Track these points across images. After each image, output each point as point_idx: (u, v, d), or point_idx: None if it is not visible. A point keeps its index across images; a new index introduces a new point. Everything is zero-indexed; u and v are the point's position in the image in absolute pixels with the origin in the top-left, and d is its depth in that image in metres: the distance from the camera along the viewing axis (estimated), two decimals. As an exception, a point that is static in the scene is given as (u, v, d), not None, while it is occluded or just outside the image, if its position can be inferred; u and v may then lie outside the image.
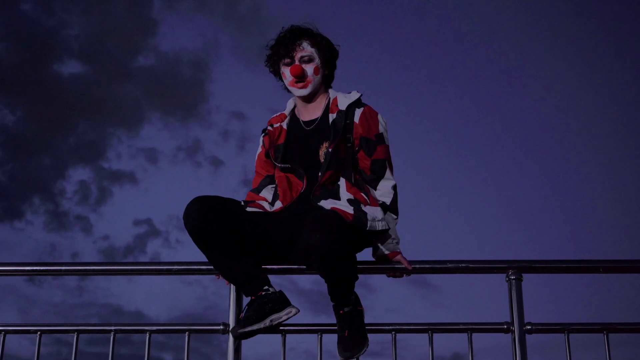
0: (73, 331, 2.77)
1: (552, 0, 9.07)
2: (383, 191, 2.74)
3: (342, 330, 2.60)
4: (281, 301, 2.59)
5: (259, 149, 2.93)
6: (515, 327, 2.70)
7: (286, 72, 2.80)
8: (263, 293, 2.58)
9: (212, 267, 2.66)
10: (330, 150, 2.68)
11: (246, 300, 2.66)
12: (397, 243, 2.70)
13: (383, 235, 2.66)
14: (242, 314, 2.61)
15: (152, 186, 9.69)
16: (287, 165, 2.77)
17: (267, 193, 2.86)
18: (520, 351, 2.67)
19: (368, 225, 2.53)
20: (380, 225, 2.58)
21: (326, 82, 2.88)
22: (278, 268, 2.73)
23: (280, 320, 2.58)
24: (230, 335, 2.68)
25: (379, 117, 2.80)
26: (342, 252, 2.40)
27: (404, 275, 2.73)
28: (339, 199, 2.62)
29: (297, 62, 2.78)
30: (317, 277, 2.53)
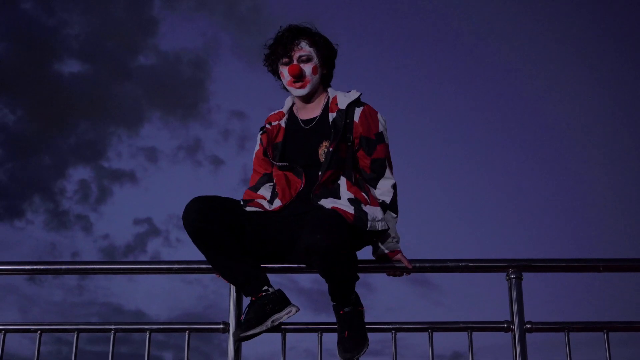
0: (73, 330, 2.77)
1: (552, 0, 9.07)
2: (383, 190, 2.74)
3: (342, 330, 2.60)
4: (281, 301, 2.59)
5: (257, 147, 2.93)
6: (515, 326, 2.70)
7: (284, 71, 2.80)
8: (263, 294, 2.58)
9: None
10: (331, 149, 2.67)
11: (246, 299, 2.67)
12: (397, 242, 2.70)
13: (383, 235, 2.66)
14: (243, 316, 2.61)
15: (152, 185, 9.69)
16: (285, 164, 2.76)
17: (266, 191, 2.86)
18: (520, 350, 2.67)
19: (368, 225, 2.53)
20: (380, 225, 2.58)
21: (325, 81, 2.87)
22: (278, 267, 2.73)
23: (281, 320, 2.58)
24: (231, 335, 2.68)
25: (379, 116, 2.79)
26: (343, 253, 2.40)
27: (404, 274, 2.73)
28: (339, 197, 2.62)
29: (295, 62, 2.77)
30: (317, 276, 2.53)
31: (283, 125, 2.85)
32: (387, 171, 2.75)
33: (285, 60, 2.79)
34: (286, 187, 2.75)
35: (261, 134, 2.89)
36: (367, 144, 2.73)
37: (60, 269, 2.88)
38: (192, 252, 2.60)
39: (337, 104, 2.77)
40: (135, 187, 9.71)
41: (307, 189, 2.69)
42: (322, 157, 2.70)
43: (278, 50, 2.79)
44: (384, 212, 2.68)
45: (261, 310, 2.56)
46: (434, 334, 2.73)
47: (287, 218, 2.69)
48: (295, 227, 2.61)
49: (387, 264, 2.70)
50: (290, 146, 2.80)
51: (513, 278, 2.75)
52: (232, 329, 2.70)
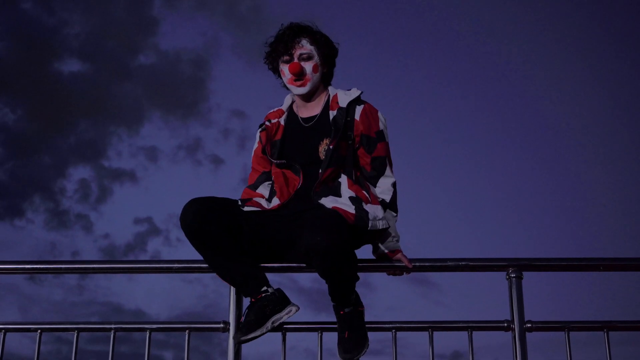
0: (73, 329, 2.77)
1: (553, 0, 9.06)
2: (383, 188, 2.73)
3: (342, 331, 2.60)
4: (281, 300, 2.59)
5: (256, 145, 2.92)
6: (516, 325, 2.70)
7: (285, 69, 2.79)
8: (262, 295, 2.58)
9: (212, 265, 2.65)
10: (331, 147, 2.67)
11: (246, 299, 2.66)
12: (397, 241, 2.69)
13: (383, 234, 2.66)
14: (243, 318, 2.60)
15: (152, 185, 9.69)
16: (282, 161, 2.76)
17: (264, 190, 2.85)
18: (520, 349, 2.67)
19: (369, 224, 2.53)
20: (381, 224, 2.58)
21: (325, 80, 2.87)
22: (278, 266, 2.72)
23: (281, 321, 2.58)
24: (231, 337, 2.68)
25: (379, 114, 2.79)
26: (343, 254, 2.40)
27: (404, 273, 2.72)
28: (339, 196, 2.61)
29: (296, 60, 2.76)
30: (317, 275, 2.52)
31: (282, 123, 2.84)
32: (388, 169, 2.75)
33: (286, 58, 2.78)
34: (284, 185, 2.74)
35: (260, 132, 2.89)
36: (367, 142, 2.73)
37: (60, 269, 2.88)
38: (192, 252, 2.60)
39: (337, 102, 2.76)
40: (135, 186, 9.71)
41: (305, 187, 2.69)
42: (322, 155, 2.69)
43: (279, 48, 2.79)
44: (384, 210, 2.68)
45: (261, 312, 2.55)
46: (434, 333, 2.73)
47: (286, 217, 2.69)
48: (294, 226, 2.60)
49: (387, 264, 2.70)
50: (289, 144, 2.80)
51: (513, 277, 2.74)
52: (232, 328, 2.70)
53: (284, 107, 2.90)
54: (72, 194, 9.72)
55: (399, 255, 2.68)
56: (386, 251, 2.68)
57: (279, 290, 2.63)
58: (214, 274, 2.71)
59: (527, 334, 2.69)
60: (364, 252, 2.75)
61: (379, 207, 2.64)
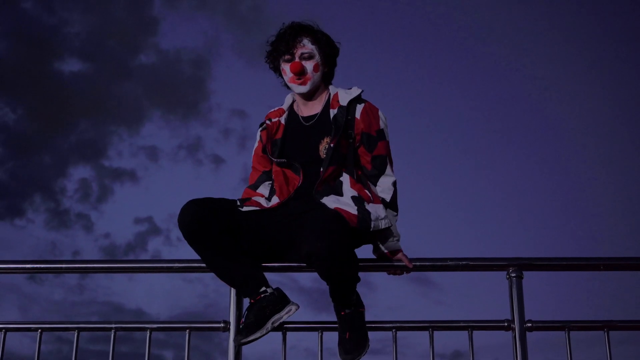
0: (74, 329, 2.77)
1: (553, 0, 9.06)
2: (383, 187, 2.73)
3: (343, 331, 2.60)
4: (280, 300, 2.59)
5: (256, 144, 2.92)
6: (516, 325, 2.70)
7: (286, 68, 2.79)
8: (261, 295, 2.58)
9: (212, 265, 2.65)
10: (332, 145, 2.67)
11: (246, 299, 2.66)
12: (398, 240, 2.69)
13: (384, 233, 2.66)
14: (243, 320, 2.60)
15: (153, 184, 9.69)
16: (283, 160, 2.75)
17: (264, 189, 2.85)
18: (520, 349, 2.67)
19: (372, 225, 2.53)
20: (383, 224, 2.58)
21: (326, 79, 2.87)
22: (278, 266, 2.72)
23: (281, 320, 2.58)
24: (231, 339, 2.68)
25: (380, 113, 2.79)
26: (345, 258, 2.40)
27: (404, 272, 2.72)
28: (341, 195, 2.61)
29: (297, 59, 2.76)
30: (318, 275, 2.52)
31: (283, 122, 2.84)
32: (388, 168, 2.75)
33: (287, 57, 2.78)
34: (284, 184, 2.74)
35: (261, 130, 2.89)
36: (368, 141, 2.73)
37: (61, 268, 2.88)
38: (192, 251, 2.60)
39: (338, 101, 2.76)
40: (135, 186, 9.71)
41: (305, 186, 2.69)
42: (322, 154, 2.69)
43: (280, 47, 2.79)
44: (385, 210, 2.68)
45: (261, 312, 2.55)
46: (435, 332, 2.73)
47: (286, 217, 2.69)
48: (295, 226, 2.60)
49: (388, 263, 2.70)
50: (290, 143, 2.79)
51: (513, 277, 2.74)
52: (232, 328, 2.70)
53: (285, 106, 2.90)
54: (72, 193, 9.72)
55: (399, 255, 2.68)
56: (386, 251, 2.68)
57: (278, 289, 2.62)
58: (214, 274, 2.72)
59: (528, 334, 2.69)
60: (364, 251, 2.76)
61: (381, 206, 2.64)
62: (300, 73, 2.75)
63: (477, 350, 2.71)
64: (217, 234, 2.55)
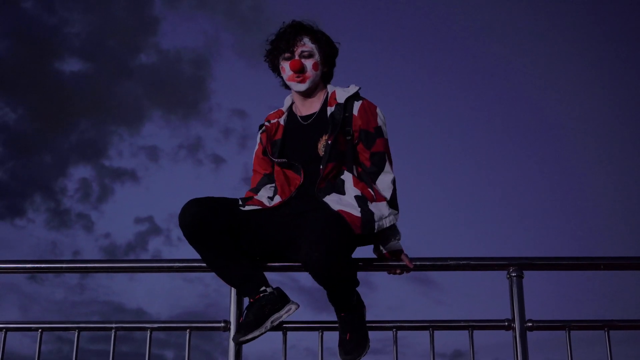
0: (74, 329, 2.77)
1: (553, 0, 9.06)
2: (382, 186, 2.71)
3: (343, 332, 2.60)
4: (280, 299, 2.59)
5: (257, 146, 2.92)
6: (516, 324, 2.70)
7: (286, 66, 2.79)
8: (261, 295, 2.58)
9: (212, 264, 2.65)
10: (329, 142, 2.67)
11: (247, 298, 2.66)
12: (399, 239, 2.69)
13: (386, 233, 2.65)
14: (242, 318, 2.60)
15: (153, 184, 9.70)
16: (283, 160, 2.75)
17: (266, 192, 2.84)
18: (521, 348, 2.67)
19: (376, 227, 2.52)
20: (387, 222, 2.57)
21: (325, 79, 2.87)
22: (279, 265, 2.72)
23: (280, 320, 2.58)
24: (231, 333, 2.68)
25: (378, 110, 2.78)
26: (341, 267, 2.39)
27: (405, 272, 2.72)
28: (344, 193, 2.61)
29: (297, 57, 2.77)
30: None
31: (282, 123, 2.84)
32: (387, 166, 2.73)
33: (287, 55, 2.78)
34: (285, 184, 2.74)
35: (260, 133, 2.89)
36: (366, 137, 2.72)
37: (61, 268, 2.88)
38: (192, 251, 2.60)
39: (335, 99, 2.76)
40: (136, 185, 9.72)
41: (307, 185, 2.68)
42: (321, 152, 2.69)
43: (280, 46, 2.79)
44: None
45: (260, 311, 2.55)
46: (435, 332, 2.73)
47: (288, 217, 2.68)
48: (294, 226, 2.60)
49: (388, 262, 2.70)
50: (289, 143, 2.79)
51: (514, 276, 2.74)
52: (233, 327, 2.70)
53: (284, 108, 2.90)
54: (73, 193, 9.73)
55: (401, 256, 2.67)
56: (385, 252, 2.67)
57: (277, 289, 2.62)
58: (215, 273, 2.71)
59: (528, 333, 2.69)
60: (365, 251, 2.75)
61: (384, 203, 2.62)
62: (299, 71, 2.75)
63: (478, 350, 2.71)
64: (218, 233, 2.54)
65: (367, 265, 2.71)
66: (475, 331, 2.72)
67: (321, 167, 2.65)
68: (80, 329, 2.77)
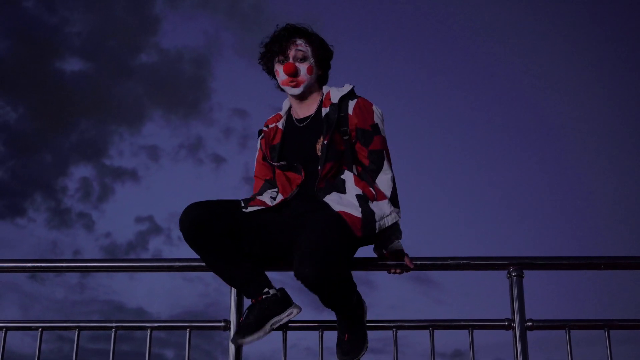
0: (74, 328, 2.77)
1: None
2: (383, 184, 2.69)
3: (342, 333, 2.60)
4: (282, 302, 2.58)
5: (257, 152, 2.92)
6: (516, 324, 2.70)
7: (280, 70, 2.77)
8: (263, 297, 2.57)
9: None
10: (325, 142, 2.66)
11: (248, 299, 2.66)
12: (400, 239, 2.68)
13: (387, 232, 2.63)
14: (242, 318, 2.60)
15: (153, 183, 9.71)
16: (283, 163, 2.74)
17: (268, 194, 2.83)
18: (521, 348, 2.67)
19: (377, 227, 2.51)
20: (389, 221, 2.56)
21: (320, 82, 2.86)
22: (280, 265, 2.72)
23: (281, 323, 2.58)
24: (232, 332, 2.68)
25: (374, 107, 2.76)
26: (333, 282, 2.37)
27: (405, 271, 2.72)
28: (344, 192, 2.60)
29: (291, 60, 2.75)
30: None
31: (280, 127, 2.84)
32: (386, 164, 2.71)
33: (280, 58, 2.77)
34: (287, 184, 2.74)
35: (260, 139, 2.89)
36: (363, 136, 2.71)
37: (62, 267, 2.88)
38: (193, 250, 2.59)
39: (330, 99, 2.76)
40: (136, 185, 9.73)
41: (308, 185, 2.67)
42: (319, 152, 2.68)
43: (274, 49, 2.77)
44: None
45: (261, 313, 2.55)
46: (435, 331, 2.72)
47: (288, 218, 2.68)
48: (296, 227, 2.58)
49: (388, 262, 2.70)
50: (288, 146, 2.78)
51: (514, 276, 2.74)
52: (233, 327, 2.70)
53: (282, 111, 2.90)
54: (73, 192, 9.74)
55: (401, 256, 2.67)
56: (385, 252, 2.67)
57: (281, 290, 2.62)
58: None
59: (528, 333, 2.69)
60: (365, 251, 2.75)
61: (386, 202, 2.60)
62: (293, 74, 2.73)
63: (478, 350, 2.71)
64: (218, 237, 2.54)
65: (367, 264, 2.71)
66: (475, 331, 2.72)
67: (319, 167, 2.65)
68: (81, 328, 2.77)
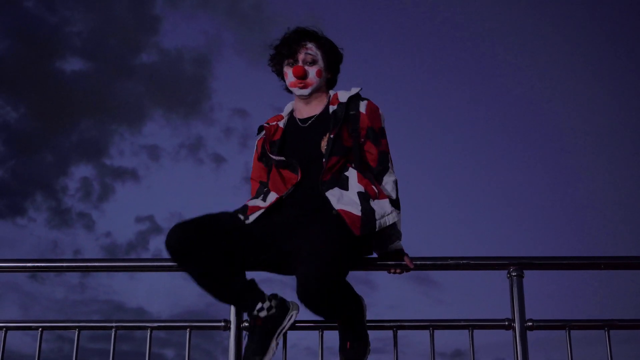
0: (74, 327, 2.77)
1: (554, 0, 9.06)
2: (388, 186, 2.69)
3: (343, 340, 2.59)
4: (280, 312, 2.57)
5: (254, 153, 2.91)
6: (517, 324, 2.70)
7: (289, 72, 2.77)
8: (261, 316, 2.54)
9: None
10: (331, 136, 2.65)
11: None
12: (399, 239, 2.68)
13: (387, 232, 2.62)
14: (246, 341, 2.58)
15: (154, 183, 9.71)
16: (281, 158, 2.72)
17: (259, 196, 2.81)
18: (521, 347, 2.67)
19: (377, 225, 2.50)
20: (390, 220, 2.54)
21: (328, 85, 2.86)
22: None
23: (285, 330, 2.58)
24: (232, 332, 2.68)
25: (380, 111, 2.78)
26: (335, 290, 2.37)
27: (405, 271, 2.72)
28: (347, 189, 2.59)
29: (300, 63, 2.75)
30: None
31: (281, 125, 2.83)
32: (390, 166, 2.73)
33: (290, 61, 2.77)
34: (280, 182, 2.70)
35: (258, 138, 2.88)
36: (374, 136, 2.71)
37: (62, 267, 2.88)
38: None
39: (338, 99, 2.76)
40: (137, 185, 9.73)
41: (305, 184, 2.65)
42: (324, 148, 2.66)
43: (284, 51, 2.78)
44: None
45: (264, 333, 2.53)
46: (435, 331, 2.72)
47: (288, 220, 2.64)
48: (297, 227, 2.57)
49: (388, 262, 2.70)
50: (289, 144, 2.77)
51: (514, 276, 2.74)
52: (233, 326, 2.70)
53: (284, 113, 2.89)
54: (74, 192, 9.74)
55: (401, 256, 2.67)
56: (384, 252, 2.67)
57: (274, 298, 2.60)
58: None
59: (528, 333, 2.69)
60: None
61: (387, 201, 2.59)
62: (302, 77, 2.74)
63: (478, 349, 2.71)
64: (204, 257, 2.50)
65: (367, 264, 2.71)
66: (475, 330, 2.72)
67: (324, 160, 2.64)
68: (81, 328, 2.77)
